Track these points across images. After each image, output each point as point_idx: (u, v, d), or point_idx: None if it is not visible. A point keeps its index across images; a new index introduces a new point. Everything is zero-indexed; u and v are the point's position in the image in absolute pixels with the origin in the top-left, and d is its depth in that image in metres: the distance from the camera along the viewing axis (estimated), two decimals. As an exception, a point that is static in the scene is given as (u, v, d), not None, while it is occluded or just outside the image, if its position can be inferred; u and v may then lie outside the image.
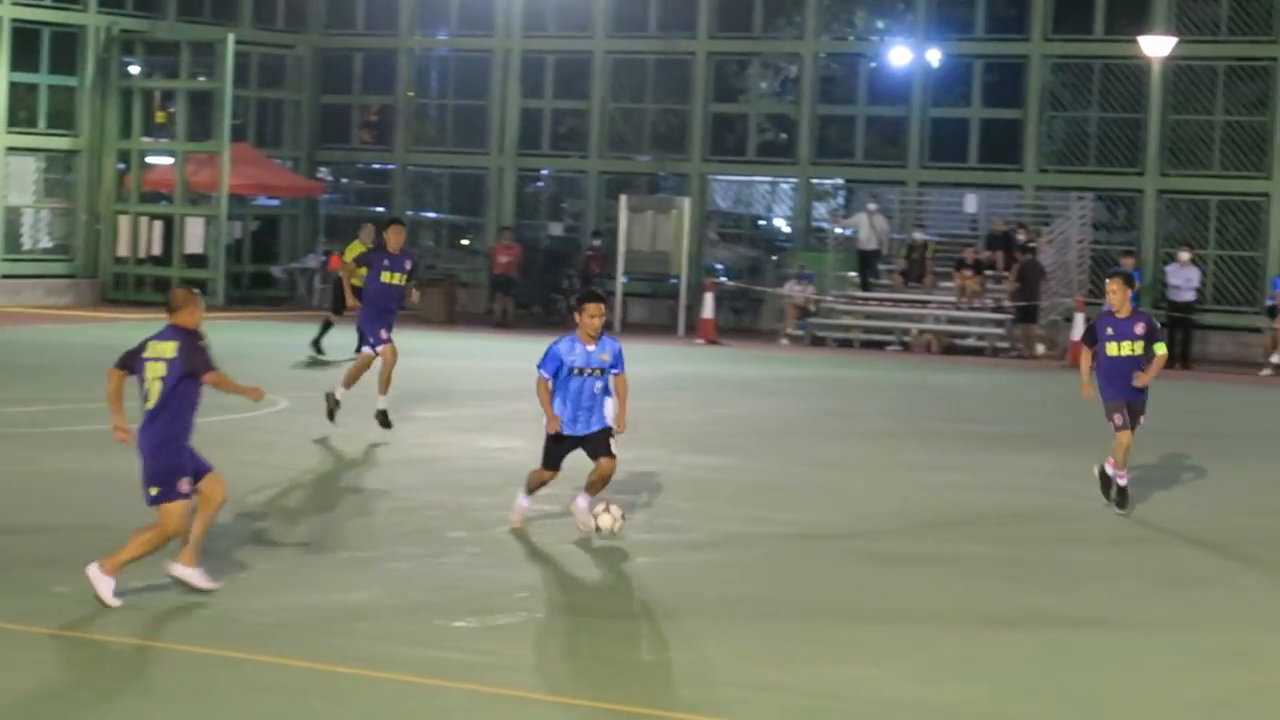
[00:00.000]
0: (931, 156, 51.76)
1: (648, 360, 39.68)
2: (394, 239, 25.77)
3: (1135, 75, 48.78)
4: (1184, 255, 45.82)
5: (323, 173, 58.03)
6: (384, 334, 24.83)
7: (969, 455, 25.34)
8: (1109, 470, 20.34)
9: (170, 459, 14.17)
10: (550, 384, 17.22)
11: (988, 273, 47.48)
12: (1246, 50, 48.51)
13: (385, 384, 24.70)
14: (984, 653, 13.62)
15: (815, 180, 53.67)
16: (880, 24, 53.57)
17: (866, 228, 48.89)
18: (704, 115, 53.93)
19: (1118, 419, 19.94)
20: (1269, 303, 45.15)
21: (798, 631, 14.20)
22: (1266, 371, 43.24)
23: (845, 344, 46.72)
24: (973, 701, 12.11)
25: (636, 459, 23.35)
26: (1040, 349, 45.49)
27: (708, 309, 46.80)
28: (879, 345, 46.34)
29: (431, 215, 58.30)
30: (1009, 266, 46.82)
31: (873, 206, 49.43)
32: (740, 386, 34.75)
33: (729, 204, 56.17)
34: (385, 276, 25.14)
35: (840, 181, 54.23)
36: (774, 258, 53.64)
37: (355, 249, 33.45)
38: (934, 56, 51.89)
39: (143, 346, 14.29)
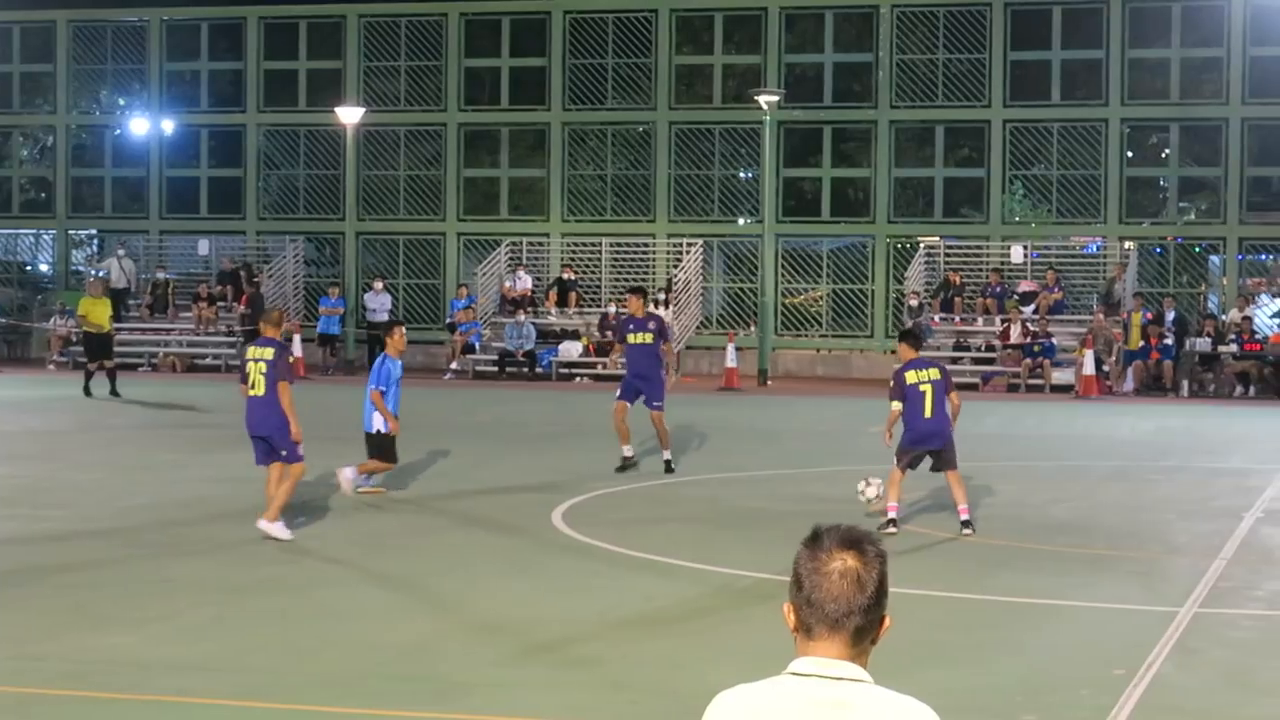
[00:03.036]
0: (169, 209, 51.00)
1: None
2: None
3: (334, 138, 49.01)
4: (378, 284, 46.44)
5: None
6: None
7: (211, 455, 24.82)
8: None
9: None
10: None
11: (220, 304, 47.06)
12: (422, 118, 49.37)
13: None
14: (227, 616, 13.28)
15: (72, 231, 52.27)
16: (121, 100, 52.37)
17: (117, 270, 47.81)
18: (-28, 179, 51.92)
19: None
20: (449, 320, 46.16)
21: (66, 608, 13.57)
22: (449, 376, 44.12)
23: (102, 367, 45.31)
24: (218, 657, 11.78)
25: (-80, 472, 22.16)
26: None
27: (-18, 343, 44.93)
28: (133, 367, 45.14)
29: None
30: (239, 297, 46.49)
31: (121, 252, 48.55)
32: (15, 406, 33.38)
33: (-1, 254, 54.10)
34: None
35: (94, 231, 52.87)
36: (39, 297, 51.94)
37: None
38: (168, 126, 51.08)
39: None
